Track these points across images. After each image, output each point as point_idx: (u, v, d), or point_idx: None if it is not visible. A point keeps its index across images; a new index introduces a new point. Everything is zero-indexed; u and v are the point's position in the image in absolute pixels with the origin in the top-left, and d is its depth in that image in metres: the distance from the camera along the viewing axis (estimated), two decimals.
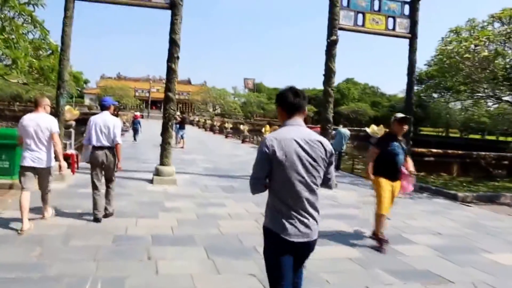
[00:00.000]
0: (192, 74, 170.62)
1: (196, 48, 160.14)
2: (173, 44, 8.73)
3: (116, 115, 28.95)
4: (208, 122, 42.45)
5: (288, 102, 2.47)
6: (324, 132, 10.28)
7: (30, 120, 4.91)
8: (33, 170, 4.94)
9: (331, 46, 10.13)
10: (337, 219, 6.54)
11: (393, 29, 10.83)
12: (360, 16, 10.52)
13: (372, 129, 12.72)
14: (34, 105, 5.17)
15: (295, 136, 2.38)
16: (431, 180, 12.12)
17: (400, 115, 5.28)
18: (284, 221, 2.35)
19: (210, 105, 68.95)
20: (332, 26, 10.09)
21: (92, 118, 5.53)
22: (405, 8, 10.94)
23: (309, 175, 2.37)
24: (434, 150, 13.27)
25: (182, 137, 19.37)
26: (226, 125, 33.86)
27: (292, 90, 2.50)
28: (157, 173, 8.79)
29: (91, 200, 5.49)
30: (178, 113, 24.36)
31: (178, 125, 19.43)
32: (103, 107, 5.67)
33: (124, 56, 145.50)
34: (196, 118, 53.34)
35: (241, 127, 30.82)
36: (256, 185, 2.43)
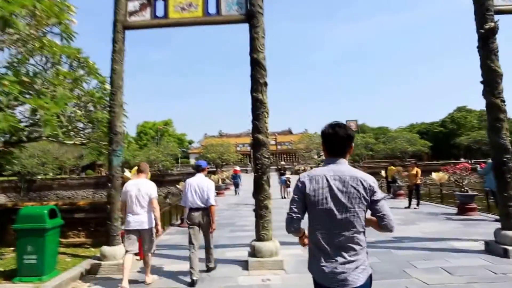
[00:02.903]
0: (292, 123, 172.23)
1: (293, 96, 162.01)
2: (256, 65, 6.20)
3: (214, 173, 28.44)
4: None
5: (325, 140, 2.36)
6: (499, 168, 6.49)
7: (133, 186, 5.21)
8: (137, 232, 5.14)
9: (487, 39, 6.64)
10: None
11: None
12: None
13: None
14: (137, 171, 5.54)
15: (327, 173, 2.26)
16: None
17: None
18: (315, 262, 2.22)
19: (314, 152, 66.39)
20: (484, 9, 6.75)
21: (188, 181, 5.66)
22: None
23: (341, 213, 2.17)
24: None
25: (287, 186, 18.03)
26: None
27: (330, 125, 2.35)
28: (254, 252, 5.97)
29: None
30: (283, 162, 22.63)
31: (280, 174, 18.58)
32: (198, 170, 5.76)
33: (225, 113, 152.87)
34: (301, 167, 50.83)
35: None
36: (291, 221, 2.27)
